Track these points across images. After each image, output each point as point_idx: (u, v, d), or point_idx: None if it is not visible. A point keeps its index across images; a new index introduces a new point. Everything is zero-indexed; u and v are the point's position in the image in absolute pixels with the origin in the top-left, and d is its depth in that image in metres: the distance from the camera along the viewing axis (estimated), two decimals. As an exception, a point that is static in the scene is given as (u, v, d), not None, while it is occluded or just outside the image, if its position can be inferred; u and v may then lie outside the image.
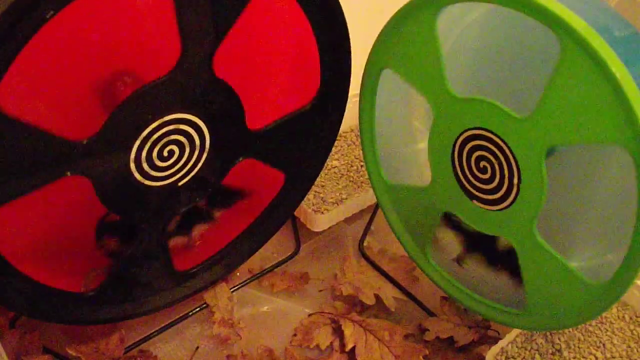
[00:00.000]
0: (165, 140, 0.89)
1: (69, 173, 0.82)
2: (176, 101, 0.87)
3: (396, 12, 0.95)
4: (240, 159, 1.01)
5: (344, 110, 1.10)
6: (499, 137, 0.87)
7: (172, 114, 0.87)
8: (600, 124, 0.75)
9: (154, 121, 0.86)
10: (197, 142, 0.93)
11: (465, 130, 0.92)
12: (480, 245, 1.04)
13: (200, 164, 0.96)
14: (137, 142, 0.86)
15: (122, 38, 0.80)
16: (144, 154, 0.88)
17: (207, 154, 0.95)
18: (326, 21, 0.97)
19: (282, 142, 1.06)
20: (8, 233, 0.86)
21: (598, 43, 0.72)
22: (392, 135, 1.12)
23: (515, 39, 0.96)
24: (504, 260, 1.01)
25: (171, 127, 0.88)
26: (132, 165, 0.88)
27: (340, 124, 1.11)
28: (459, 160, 0.95)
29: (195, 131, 0.92)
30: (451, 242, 1.07)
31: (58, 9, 0.70)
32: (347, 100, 1.09)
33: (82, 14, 0.73)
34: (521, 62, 0.98)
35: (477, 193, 0.95)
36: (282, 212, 1.17)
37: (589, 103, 0.76)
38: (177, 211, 1.00)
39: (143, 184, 0.91)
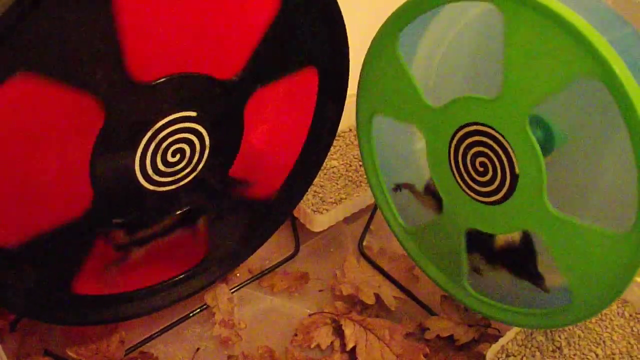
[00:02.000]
0: (170, 139, 0.90)
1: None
2: (200, 102, 0.90)
3: (364, 58, 1.02)
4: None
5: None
6: (487, 125, 0.89)
7: (187, 111, 0.90)
8: (562, 66, 0.77)
9: (170, 114, 0.88)
10: (206, 142, 0.95)
11: (455, 134, 0.93)
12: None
13: (201, 165, 0.96)
14: (143, 142, 0.87)
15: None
16: (148, 156, 0.89)
17: (208, 156, 0.96)
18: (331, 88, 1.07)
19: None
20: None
21: None
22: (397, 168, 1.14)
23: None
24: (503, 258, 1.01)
25: (183, 124, 0.90)
26: (137, 168, 0.89)
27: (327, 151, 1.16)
28: (457, 165, 0.96)
29: (197, 137, 0.93)
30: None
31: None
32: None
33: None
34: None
35: (483, 194, 0.95)
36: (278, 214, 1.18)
37: (546, 52, 0.78)
38: (175, 211, 1.00)
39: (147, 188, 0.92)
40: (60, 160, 0.82)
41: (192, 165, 0.95)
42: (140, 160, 0.88)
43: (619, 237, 0.80)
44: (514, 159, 0.87)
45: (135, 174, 0.89)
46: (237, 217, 1.12)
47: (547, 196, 0.86)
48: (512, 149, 0.87)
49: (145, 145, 0.87)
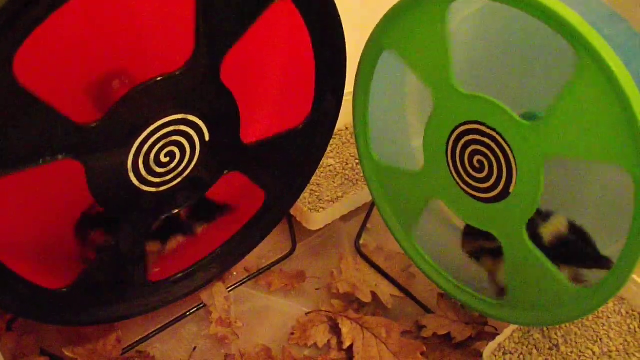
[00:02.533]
0: (164, 141, 0.89)
1: (61, 156, 0.81)
2: (177, 100, 0.88)
3: None
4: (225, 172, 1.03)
5: (331, 135, 1.12)
6: (501, 135, 0.87)
7: (173, 114, 0.88)
8: (606, 142, 0.76)
9: (155, 121, 0.86)
10: (196, 142, 0.93)
11: (465, 123, 0.92)
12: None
13: (192, 166, 0.96)
14: (137, 142, 0.87)
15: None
16: (142, 153, 0.88)
17: (200, 156, 0.96)
18: (326, 41, 0.98)
19: (269, 158, 1.07)
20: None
21: (615, 63, 0.72)
22: (387, 130, 1.12)
23: (511, 34, 0.97)
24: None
25: (171, 128, 0.89)
26: (129, 165, 0.88)
27: (326, 147, 1.13)
28: (452, 151, 0.95)
29: (195, 132, 0.92)
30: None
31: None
32: (335, 125, 1.11)
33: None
34: (516, 57, 0.98)
35: (471, 182, 0.95)
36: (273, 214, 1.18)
37: (598, 120, 0.76)
38: (166, 212, 1.00)
39: (136, 185, 0.92)
40: (63, 207, 0.84)
41: (187, 160, 0.95)
42: (134, 168, 0.89)
43: (578, 290, 0.84)
44: (515, 173, 0.88)
45: (127, 173, 0.89)
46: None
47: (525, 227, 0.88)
48: (515, 166, 0.87)
49: (134, 156, 0.88)
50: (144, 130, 0.86)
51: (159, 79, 0.83)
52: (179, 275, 1.09)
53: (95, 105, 0.85)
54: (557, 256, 0.96)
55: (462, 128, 0.92)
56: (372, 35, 0.99)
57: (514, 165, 0.87)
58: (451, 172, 0.97)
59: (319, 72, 1.01)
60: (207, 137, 0.94)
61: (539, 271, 0.91)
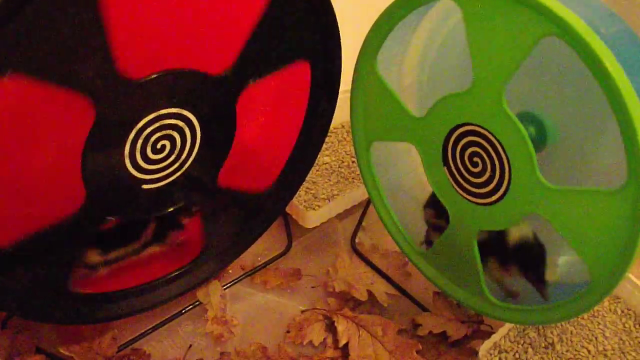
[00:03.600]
0: (160, 133, 0.90)
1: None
2: (189, 98, 0.90)
3: (351, 88, 1.06)
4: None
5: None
6: (476, 124, 0.90)
7: (177, 108, 0.90)
8: (520, 35, 0.80)
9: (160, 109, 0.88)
10: (197, 137, 0.95)
11: (446, 140, 0.95)
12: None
13: (191, 161, 0.96)
14: (132, 135, 0.87)
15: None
16: (137, 152, 0.88)
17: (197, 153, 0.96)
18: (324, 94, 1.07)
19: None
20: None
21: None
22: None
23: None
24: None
25: (170, 121, 0.90)
26: (127, 159, 0.88)
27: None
28: (452, 174, 0.97)
29: (190, 131, 0.93)
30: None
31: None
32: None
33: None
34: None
35: (477, 190, 0.95)
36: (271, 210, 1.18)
37: (503, 28, 0.82)
38: (166, 209, 1.00)
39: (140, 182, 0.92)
40: (51, 159, 0.82)
41: (181, 161, 0.95)
42: (130, 156, 0.88)
43: (616, 193, 0.80)
44: (501, 145, 0.87)
45: (126, 168, 0.89)
46: (230, 214, 1.12)
47: (540, 173, 0.86)
48: (495, 136, 0.87)
49: (134, 141, 0.87)
50: (147, 116, 0.87)
51: (192, 70, 0.88)
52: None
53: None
54: (513, 258, 0.99)
55: (452, 138, 0.95)
56: (353, 136, 1.10)
57: (499, 147, 0.89)
58: (454, 187, 0.98)
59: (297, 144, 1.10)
60: (198, 139, 0.95)
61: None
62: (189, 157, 0.95)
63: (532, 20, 0.78)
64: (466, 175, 0.96)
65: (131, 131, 0.86)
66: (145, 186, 0.93)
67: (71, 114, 0.79)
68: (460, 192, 0.98)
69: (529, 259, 0.98)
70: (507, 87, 0.84)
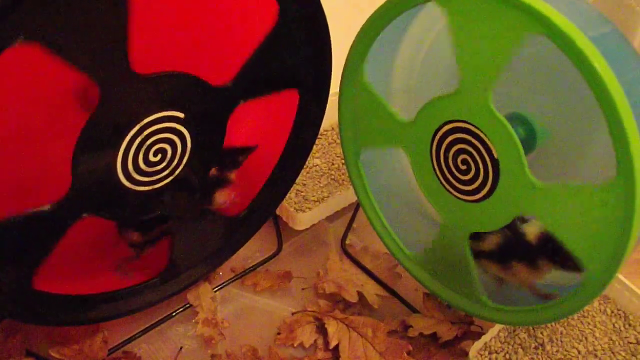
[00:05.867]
0: (154, 138, 0.90)
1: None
2: (183, 102, 0.91)
3: (339, 91, 1.07)
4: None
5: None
6: (458, 120, 0.91)
7: (171, 111, 0.90)
8: (505, 35, 0.81)
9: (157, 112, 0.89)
10: (187, 144, 0.95)
11: (432, 142, 0.96)
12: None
13: (181, 167, 0.96)
14: (126, 140, 0.87)
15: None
16: (129, 158, 0.89)
17: (192, 148, 0.97)
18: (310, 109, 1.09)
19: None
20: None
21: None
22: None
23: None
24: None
25: (165, 124, 0.90)
26: (119, 165, 0.88)
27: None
28: (444, 172, 0.97)
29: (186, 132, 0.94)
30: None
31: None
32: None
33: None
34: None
35: (462, 187, 0.96)
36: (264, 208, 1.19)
37: (488, 28, 0.82)
38: (160, 210, 1.00)
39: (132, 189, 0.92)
40: (44, 141, 0.82)
41: (172, 167, 0.95)
42: (122, 156, 0.88)
43: (606, 188, 0.81)
44: (490, 145, 0.88)
45: (115, 169, 0.89)
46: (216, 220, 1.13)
47: (528, 171, 0.86)
48: (485, 135, 0.88)
49: (128, 141, 0.87)
50: (145, 117, 0.88)
51: (195, 77, 0.89)
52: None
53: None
54: (541, 253, 0.97)
55: (436, 137, 0.96)
56: (342, 144, 1.11)
57: (488, 142, 0.89)
58: (444, 186, 0.98)
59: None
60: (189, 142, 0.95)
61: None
62: (179, 165, 0.96)
63: (516, 18, 0.78)
64: (456, 174, 0.96)
65: (127, 132, 0.86)
66: (134, 187, 0.93)
67: (74, 97, 0.80)
68: (452, 192, 0.97)
69: (555, 247, 0.96)
70: (495, 88, 0.85)
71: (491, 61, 0.83)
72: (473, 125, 0.89)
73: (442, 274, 1.09)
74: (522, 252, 0.98)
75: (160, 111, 0.88)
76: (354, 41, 1.00)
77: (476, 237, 1.01)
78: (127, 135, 0.86)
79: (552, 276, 0.98)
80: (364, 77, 1.01)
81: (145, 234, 1.04)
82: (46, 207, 0.86)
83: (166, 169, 0.94)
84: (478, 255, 1.03)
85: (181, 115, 0.91)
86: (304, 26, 0.96)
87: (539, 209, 0.87)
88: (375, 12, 0.97)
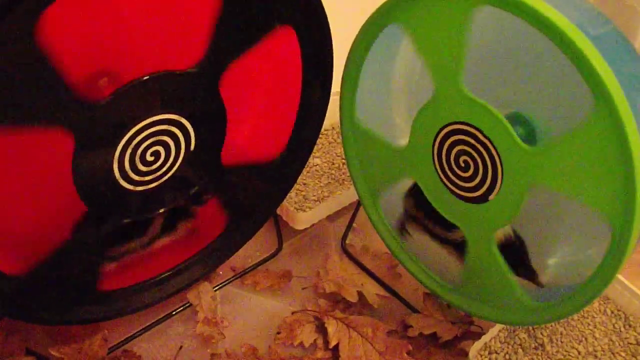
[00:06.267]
0: (148, 142, 0.89)
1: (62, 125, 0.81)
2: (172, 101, 0.89)
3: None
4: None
5: (306, 161, 1.15)
6: (494, 146, 0.89)
7: (164, 113, 0.89)
8: (597, 188, 0.78)
9: (144, 119, 0.87)
10: (182, 143, 0.94)
11: (457, 123, 0.93)
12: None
13: (178, 165, 0.96)
14: (122, 142, 0.87)
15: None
16: (126, 158, 0.88)
17: (188, 156, 0.96)
18: (316, 57, 1.02)
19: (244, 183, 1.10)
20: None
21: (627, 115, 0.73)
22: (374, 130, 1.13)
23: (505, 37, 0.97)
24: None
25: (158, 127, 0.89)
26: (115, 166, 0.88)
27: (300, 172, 1.16)
28: (439, 150, 0.96)
29: (181, 133, 0.93)
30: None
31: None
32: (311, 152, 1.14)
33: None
34: (510, 60, 0.98)
35: (456, 180, 0.95)
36: (264, 209, 1.18)
37: (597, 166, 0.78)
38: (159, 210, 1.00)
39: (124, 185, 0.92)
40: (44, 188, 0.83)
41: (170, 162, 0.95)
42: (119, 164, 0.88)
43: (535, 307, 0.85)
44: (499, 182, 0.88)
45: (115, 176, 0.89)
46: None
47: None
48: (488, 139, 0.88)
49: (122, 149, 0.87)
50: (132, 127, 0.86)
51: (162, 72, 0.85)
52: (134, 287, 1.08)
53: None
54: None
55: (456, 126, 0.93)
56: (380, 6, 0.99)
57: (499, 169, 0.88)
58: (435, 168, 0.98)
59: (301, 107, 1.06)
60: (192, 140, 0.95)
61: (496, 276, 0.94)
62: (177, 160, 0.96)
63: None
64: (463, 177, 0.95)
65: (118, 142, 0.86)
66: (139, 188, 0.93)
67: (51, 145, 0.80)
68: (461, 193, 0.97)
69: (515, 256, 0.98)
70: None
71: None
72: (471, 126, 0.89)
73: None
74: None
75: (147, 117, 0.88)
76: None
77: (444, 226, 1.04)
78: (118, 145, 0.87)
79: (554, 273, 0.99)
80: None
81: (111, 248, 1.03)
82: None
83: (164, 165, 0.94)
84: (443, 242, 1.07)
85: (171, 114, 0.90)
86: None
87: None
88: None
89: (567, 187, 0.82)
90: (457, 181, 0.96)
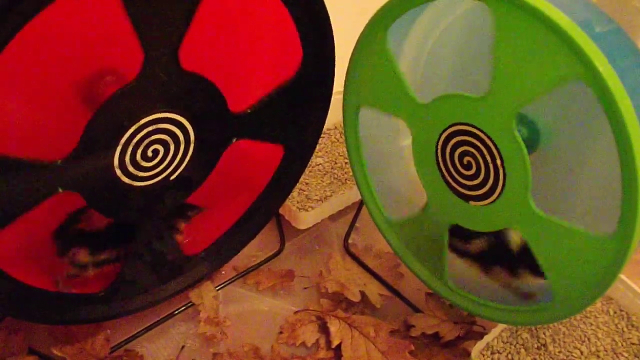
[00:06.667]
0: (148, 140, 0.88)
1: (60, 190, 0.83)
2: (152, 102, 0.87)
3: (354, 47, 1.01)
4: (233, 140, 1.02)
5: (334, 73, 1.08)
6: (472, 126, 0.89)
7: (151, 114, 0.87)
8: (551, 68, 0.77)
9: (133, 123, 0.86)
10: (182, 139, 0.93)
11: (442, 132, 0.94)
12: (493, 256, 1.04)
13: (186, 161, 0.96)
14: (120, 146, 0.86)
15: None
16: (127, 156, 0.88)
17: (193, 150, 0.95)
18: None
19: (274, 116, 1.07)
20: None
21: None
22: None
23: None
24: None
25: (152, 127, 0.88)
26: (117, 169, 0.88)
27: (332, 87, 1.10)
28: (444, 163, 0.96)
29: (179, 129, 0.92)
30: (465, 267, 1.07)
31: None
32: (334, 62, 1.07)
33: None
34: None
35: (469, 192, 0.95)
36: (272, 201, 1.19)
37: (535, 53, 0.78)
38: (167, 208, 1.00)
39: (130, 185, 0.91)
40: None
41: (174, 165, 0.95)
42: (120, 160, 0.88)
43: (602, 239, 0.81)
44: (500, 159, 0.87)
45: (114, 169, 0.89)
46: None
47: (530, 196, 0.86)
48: (497, 148, 0.87)
49: (121, 153, 0.88)
50: (123, 136, 0.86)
51: (123, 88, 0.84)
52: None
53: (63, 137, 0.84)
54: (521, 263, 0.99)
55: (446, 133, 0.94)
56: (344, 99, 1.07)
57: (494, 150, 0.88)
58: (450, 187, 0.98)
59: (298, 23, 0.99)
60: (190, 132, 0.94)
61: (562, 238, 0.89)
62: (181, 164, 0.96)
63: (562, 58, 0.75)
64: (460, 169, 0.95)
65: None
66: (138, 184, 0.93)
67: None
68: (452, 184, 0.97)
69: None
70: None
71: (529, 86, 0.81)
72: (486, 134, 0.88)
73: (415, 246, 1.10)
74: (504, 258, 1.00)
75: (170, 112, 0.89)
76: (384, 5, 0.99)
77: (462, 237, 1.02)
78: (119, 141, 0.87)
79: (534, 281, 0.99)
80: (387, 44, 0.98)
81: (94, 254, 1.02)
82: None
83: (172, 163, 0.94)
84: (463, 254, 1.05)
85: (184, 120, 0.91)
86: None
87: (528, 231, 0.89)
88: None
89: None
90: (470, 184, 0.95)
